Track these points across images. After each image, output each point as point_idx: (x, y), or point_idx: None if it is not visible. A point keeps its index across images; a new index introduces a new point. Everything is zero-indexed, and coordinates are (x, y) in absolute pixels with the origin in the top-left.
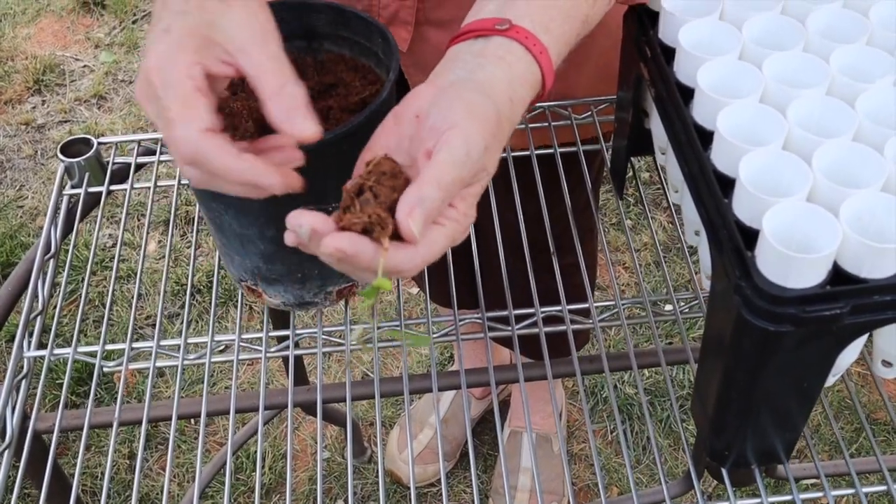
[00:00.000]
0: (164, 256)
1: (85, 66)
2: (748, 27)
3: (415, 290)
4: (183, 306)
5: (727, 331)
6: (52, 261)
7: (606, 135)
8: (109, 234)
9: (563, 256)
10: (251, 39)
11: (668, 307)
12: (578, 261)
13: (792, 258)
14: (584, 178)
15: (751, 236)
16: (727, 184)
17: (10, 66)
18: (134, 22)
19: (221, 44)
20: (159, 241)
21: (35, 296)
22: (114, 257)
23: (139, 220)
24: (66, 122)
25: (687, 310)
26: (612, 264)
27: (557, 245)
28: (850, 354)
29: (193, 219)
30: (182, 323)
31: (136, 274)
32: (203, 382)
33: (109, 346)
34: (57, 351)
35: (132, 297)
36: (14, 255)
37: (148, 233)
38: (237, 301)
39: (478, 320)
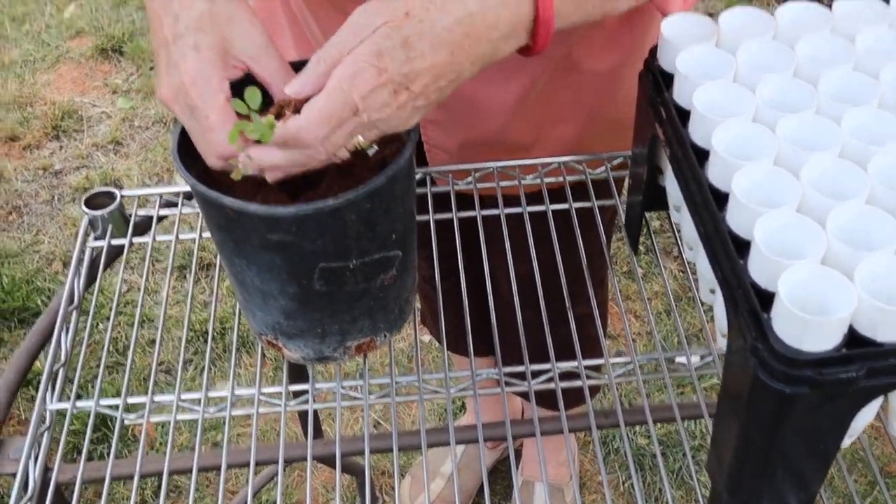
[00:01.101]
0: (178, 302)
1: (102, 111)
2: (761, 89)
3: (426, 337)
4: (196, 353)
5: (743, 390)
6: (74, 312)
7: (619, 187)
8: (124, 279)
9: (576, 306)
10: (260, 50)
11: (682, 359)
12: (591, 311)
13: (808, 321)
14: (597, 230)
15: (766, 297)
16: (742, 245)
17: (29, 112)
18: (151, 69)
19: (237, 56)
20: (173, 287)
21: (58, 347)
22: (128, 303)
23: (153, 266)
24: (83, 167)
25: (701, 365)
26: (623, 313)
27: (571, 295)
28: (865, 416)
29: (208, 265)
30: (194, 369)
31: (149, 320)
32: (216, 430)
33: (131, 399)
34: (79, 403)
35: (149, 344)
36: (30, 300)
37: (170, 284)
38: (249, 347)
39: (494, 376)
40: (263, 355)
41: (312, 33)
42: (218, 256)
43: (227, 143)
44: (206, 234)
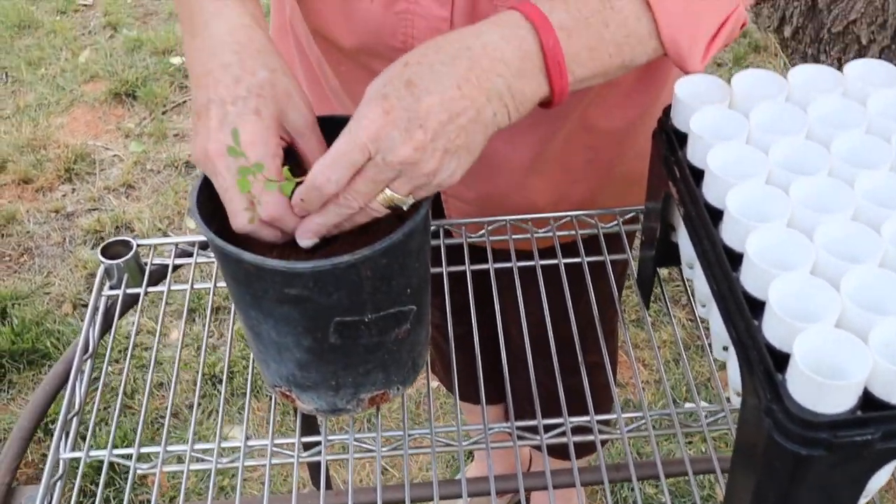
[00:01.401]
0: (186, 345)
1: (115, 155)
2: (774, 151)
3: (434, 382)
4: (204, 395)
5: (758, 449)
6: (89, 360)
7: (631, 240)
8: (130, 321)
9: (586, 355)
10: (307, 128)
11: (692, 411)
12: (601, 360)
13: (823, 384)
14: (609, 282)
15: (781, 358)
16: (756, 304)
17: (42, 155)
18: (164, 113)
19: (287, 128)
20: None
21: (73, 396)
22: (136, 346)
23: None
24: (94, 210)
25: (712, 420)
26: (633, 362)
27: (582, 344)
28: (880, 478)
29: (217, 309)
30: (202, 412)
31: (158, 363)
32: (223, 474)
33: (144, 449)
34: (93, 453)
35: (156, 388)
36: (39, 342)
37: (183, 332)
38: (257, 391)
39: (506, 429)
40: (270, 399)
41: (330, 85)
42: (228, 301)
43: (280, 204)
44: (221, 284)
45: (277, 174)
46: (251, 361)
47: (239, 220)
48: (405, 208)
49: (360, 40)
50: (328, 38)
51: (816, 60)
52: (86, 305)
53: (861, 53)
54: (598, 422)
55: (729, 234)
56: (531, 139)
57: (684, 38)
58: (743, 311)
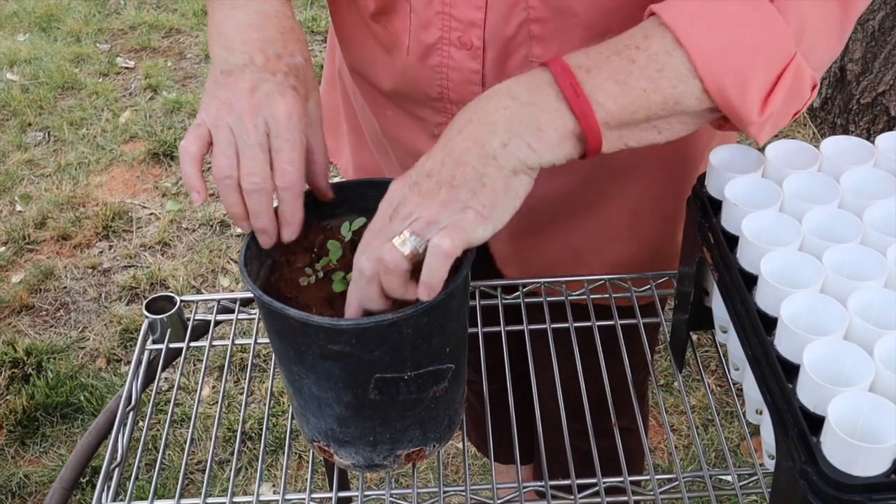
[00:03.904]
0: (215, 402)
1: (151, 213)
2: (808, 219)
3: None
4: (231, 451)
5: None
6: (131, 413)
7: (663, 304)
8: (164, 378)
9: (619, 418)
10: (319, 120)
11: (727, 476)
12: (633, 423)
13: (858, 447)
14: (642, 344)
15: (815, 420)
16: (791, 368)
17: (81, 213)
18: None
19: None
20: (213, 387)
21: (115, 447)
22: (168, 401)
23: (194, 366)
24: (130, 266)
25: (745, 483)
26: (663, 426)
27: (615, 406)
28: None
29: (245, 366)
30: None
31: (187, 418)
32: None
33: (185, 501)
34: (135, 503)
35: (190, 444)
36: (73, 396)
37: (225, 388)
38: (285, 449)
39: (540, 488)
40: (299, 457)
41: (372, 130)
42: (258, 359)
43: (294, 178)
44: (262, 340)
45: (301, 150)
46: (290, 417)
47: (254, 178)
48: (420, 250)
49: (398, 87)
50: (368, 80)
51: (845, 131)
52: (120, 360)
53: (890, 124)
54: (631, 482)
55: (763, 298)
56: (562, 181)
57: (731, 82)
58: (777, 375)
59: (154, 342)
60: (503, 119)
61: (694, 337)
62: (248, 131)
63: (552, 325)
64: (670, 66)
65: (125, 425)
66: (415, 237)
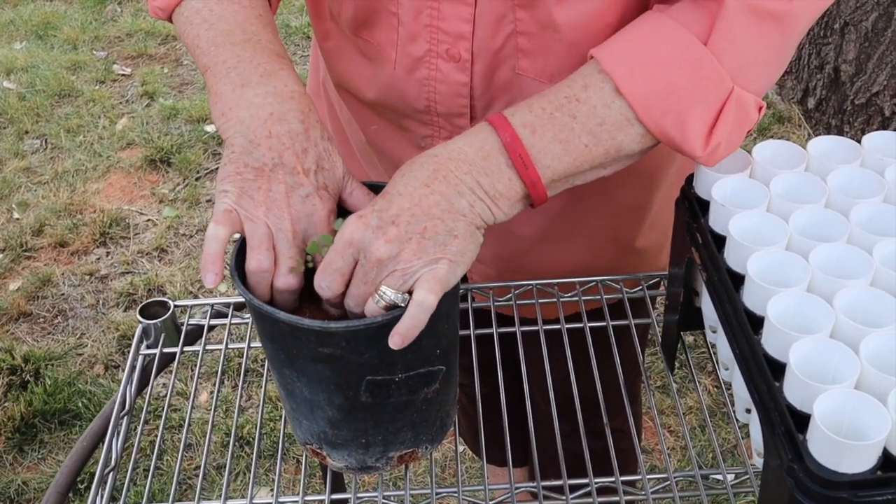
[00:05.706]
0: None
1: (149, 220)
2: (794, 219)
3: (460, 446)
4: (232, 457)
5: None
6: (125, 418)
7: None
8: (163, 384)
9: (611, 419)
10: (353, 185)
11: (718, 476)
12: (625, 424)
13: (844, 444)
14: (633, 344)
15: (802, 418)
16: (777, 366)
17: (78, 219)
18: (197, 179)
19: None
20: (210, 392)
21: (109, 452)
22: (161, 406)
23: (191, 371)
24: (128, 273)
25: (737, 482)
26: (658, 427)
27: (607, 407)
28: None
29: (245, 371)
30: (227, 473)
31: (179, 425)
32: None
33: None
34: None
35: (185, 448)
36: (71, 402)
37: (219, 391)
38: (283, 453)
39: (532, 489)
40: (297, 462)
41: (358, 142)
42: (254, 363)
43: (324, 220)
44: (255, 344)
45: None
46: (283, 422)
47: (286, 278)
48: (403, 305)
49: (384, 99)
50: (352, 93)
51: (840, 132)
52: (117, 366)
53: (884, 125)
54: (623, 482)
55: (750, 298)
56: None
57: (670, 123)
58: (764, 373)
59: (148, 347)
60: (467, 183)
61: (691, 338)
62: (289, 235)
63: (544, 327)
64: (610, 119)
65: (119, 430)
66: (392, 291)
